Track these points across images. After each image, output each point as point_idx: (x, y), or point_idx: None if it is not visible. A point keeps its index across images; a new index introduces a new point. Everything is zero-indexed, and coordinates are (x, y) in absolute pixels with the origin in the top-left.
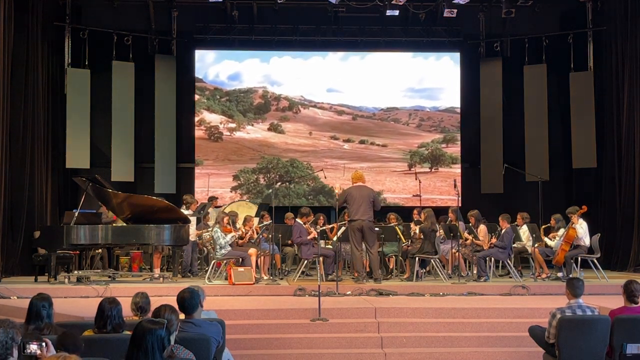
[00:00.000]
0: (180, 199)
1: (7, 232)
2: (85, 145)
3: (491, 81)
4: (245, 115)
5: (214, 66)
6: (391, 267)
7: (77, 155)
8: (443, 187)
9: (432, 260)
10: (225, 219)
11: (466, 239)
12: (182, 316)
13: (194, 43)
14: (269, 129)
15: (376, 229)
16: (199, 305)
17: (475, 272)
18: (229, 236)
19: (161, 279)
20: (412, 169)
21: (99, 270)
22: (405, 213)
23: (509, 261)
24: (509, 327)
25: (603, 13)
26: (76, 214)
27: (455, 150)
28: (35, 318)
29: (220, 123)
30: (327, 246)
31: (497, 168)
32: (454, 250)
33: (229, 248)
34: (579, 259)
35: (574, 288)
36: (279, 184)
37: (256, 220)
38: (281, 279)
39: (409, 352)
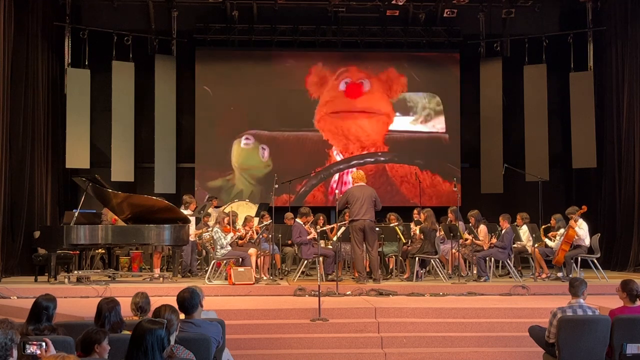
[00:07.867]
0: (180, 199)
1: (7, 232)
2: (85, 145)
3: (491, 81)
4: None
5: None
6: (391, 267)
7: (77, 155)
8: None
9: (432, 260)
10: (226, 219)
11: (466, 239)
12: (182, 316)
13: (194, 43)
14: None
15: (377, 229)
16: (199, 305)
17: (475, 272)
18: (229, 236)
19: (161, 279)
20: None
21: (99, 270)
22: (405, 213)
23: (508, 261)
24: (509, 327)
25: (603, 13)
26: (76, 214)
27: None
28: (38, 318)
29: None
30: (327, 246)
31: (497, 168)
32: (454, 250)
33: (229, 248)
34: (579, 259)
35: (577, 288)
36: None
37: (256, 220)
38: (281, 279)
39: (409, 352)
